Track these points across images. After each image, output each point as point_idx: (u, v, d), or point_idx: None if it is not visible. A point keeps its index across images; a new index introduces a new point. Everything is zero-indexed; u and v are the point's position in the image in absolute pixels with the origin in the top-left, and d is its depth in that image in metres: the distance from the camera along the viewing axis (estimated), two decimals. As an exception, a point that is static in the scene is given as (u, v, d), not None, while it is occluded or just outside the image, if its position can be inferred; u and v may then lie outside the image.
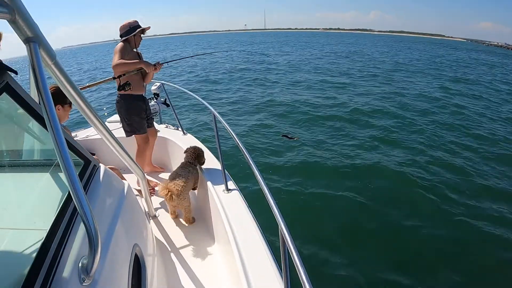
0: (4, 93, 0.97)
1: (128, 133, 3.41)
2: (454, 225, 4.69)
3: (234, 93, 14.15)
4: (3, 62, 1.00)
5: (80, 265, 1.01)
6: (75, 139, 1.72)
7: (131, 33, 3.16)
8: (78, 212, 1.17)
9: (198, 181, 3.04)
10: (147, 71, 3.19)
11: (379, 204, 5.08)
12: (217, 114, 2.75)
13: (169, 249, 2.57)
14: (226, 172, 2.70)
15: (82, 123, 6.21)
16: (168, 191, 2.60)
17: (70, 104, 2.52)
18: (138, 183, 3.34)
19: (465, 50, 59.42)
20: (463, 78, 19.20)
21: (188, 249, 2.58)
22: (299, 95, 13.05)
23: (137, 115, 3.35)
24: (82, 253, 1.05)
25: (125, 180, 2.07)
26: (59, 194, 1.28)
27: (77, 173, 0.95)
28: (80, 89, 1.37)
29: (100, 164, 1.61)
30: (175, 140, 3.80)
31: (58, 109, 2.47)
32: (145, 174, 3.71)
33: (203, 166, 3.09)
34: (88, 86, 3.41)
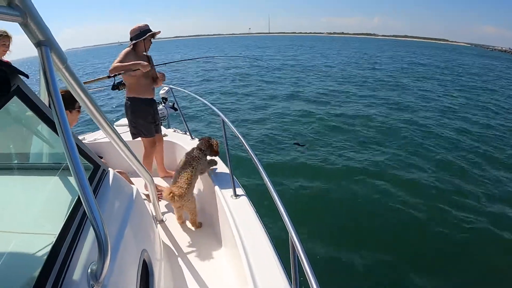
0: (15, 96, 0.96)
1: (134, 135, 3.41)
2: (460, 226, 4.70)
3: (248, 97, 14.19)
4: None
5: (89, 270, 1.00)
6: (83, 142, 1.71)
7: (141, 37, 3.17)
8: (87, 217, 1.16)
9: (206, 173, 3.01)
10: (143, 70, 3.13)
11: (393, 208, 5.07)
12: (225, 119, 2.73)
13: (176, 254, 2.55)
14: (234, 177, 2.67)
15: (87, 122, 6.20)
16: (171, 193, 2.59)
17: (78, 109, 2.52)
18: (145, 187, 3.33)
19: (472, 55, 59.05)
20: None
21: (195, 254, 2.56)
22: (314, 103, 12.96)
23: (142, 118, 3.35)
24: (91, 258, 1.04)
25: (133, 184, 2.06)
26: (68, 198, 1.27)
27: (87, 178, 0.94)
28: None
29: (109, 169, 1.59)
30: (183, 145, 3.79)
31: (66, 114, 2.45)
32: (159, 178, 3.72)
33: (211, 171, 3.06)
34: (84, 84, 3.41)
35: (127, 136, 3.43)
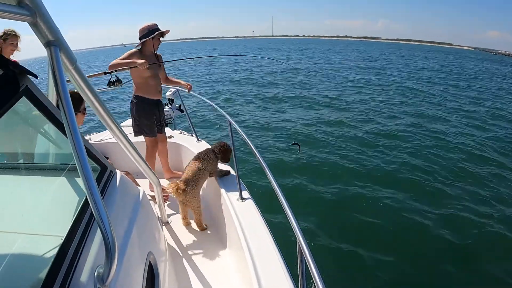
0: (24, 97, 0.96)
1: (136, 132, 3.45)
2: (468, 227, 4.68)
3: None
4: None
5: (96, 274, 0.98)
6: (89, 142, 1.70)
7: (149, 35, 3.17)
8: (94, 219, 1.15)
9: (218, 171, 3.01)
10: (140, 68, 3.09)
11: (407, 215, 5.01)
12: (233, 122, 2.73)
13: (181, 256, 2.54)
14: (240, 180, 2.66)
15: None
16: (176, 186, 2.59)
17: (83, 111, 2.52)
18: (150, 186, 3.35)
19: (476, 59, 58.69)
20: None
21: (200, 256, 2.54)
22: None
23: (146, 118, 3.37)
24: (98, 261, 1.03)
25: (139, 185, 2.05)
26: (74, 199, 1.26)
27: (95, 179, 0.93)
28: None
29: (117, 170, 1.59)
30: (189, 147, 3.79)
31: None
32: (164, 179, 3.72)
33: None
34: None
35: (133, 137, 3.44)
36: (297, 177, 6.21)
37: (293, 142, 4.31)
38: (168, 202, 3.25)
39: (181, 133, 4.35)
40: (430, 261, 4.00)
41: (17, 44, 3.25)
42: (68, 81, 1.06)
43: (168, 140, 3.86)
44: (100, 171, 1.41)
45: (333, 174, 6.44)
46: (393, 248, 4.18)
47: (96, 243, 1.09)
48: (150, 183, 3.44)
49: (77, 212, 1.12)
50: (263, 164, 1.96)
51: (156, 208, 2.65)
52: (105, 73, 3.21)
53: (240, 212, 2.37)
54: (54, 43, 1.00)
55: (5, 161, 1.45)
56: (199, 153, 2.95)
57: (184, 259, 2.51)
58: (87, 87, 1.27)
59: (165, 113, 3.93)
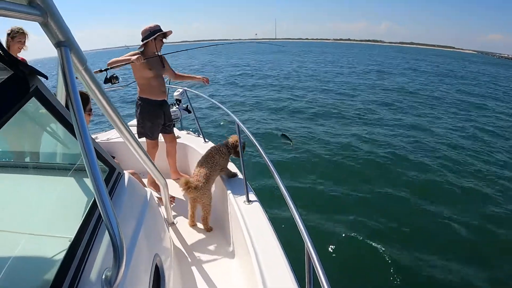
0: (33, 97, 0.95)
1: (139, 134, 3.44)
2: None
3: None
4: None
5: (103, 277, 0.98)
6: (96, 141, 1.71)
7: (151, 37, 3.17)
8: (102, 221, 1.14)
9: (227, 168, 3.00)
10: (137, 63, 3.10)
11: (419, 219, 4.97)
12: (240, 123, 2.72)
13: (187, 257, 2.53)
14: (247, 182, 2.64)
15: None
16: (187, 182, 2.58)
17: (89, 112, 2.52)
18: (150, 184, 3.36)
19: (486, 64, 57.73)
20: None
21: (206, 258, 2.54)
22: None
23: (150, 120, 3.36)
24: (105, 264, 1.02)
25: (145, 184, 2.05)
26: (81, 200, 1.25)
27: (103, 181, 0.92)
28: None
29: (124, 172, 1.58)
30: (196, 147, 3.78)
31: None
32: (171, 180, 3.72)
33: (224, 176, 3.03)
34: None
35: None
36: (305, 179, 6.19)
37: (282, 133, 4.10)
38: (174, 204, 3.25)
39: (188, 133, 4.34)
40: (447, 267, 3.95)
41: (24, 42, 3.27)
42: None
43: None
44: (109, 172, 1.40)
45: (342, 176, 6.41)
46: (405, 254, 4.13)
47: (104, 245, 1.08)
48: (150, 182, 3.45)
49: (85, 213, 1.11)
50: (270, 166, 1.94)
51: (162, 209, 2.65)
52: (101, 70, 3.18)
53: (247, 214, 2.35)
54: (64, 43, 1.00)
55: (12, 160, 1.45)
56: (212, 147, 2.95)
57: (189, 261, 2.50)
58: (97, 88, 1.27)
59: (172, 114, 3.91)
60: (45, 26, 0.95)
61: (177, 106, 4.77)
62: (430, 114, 12.07)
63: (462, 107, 13.80)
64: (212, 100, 3.81)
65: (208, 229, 2.85)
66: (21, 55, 3.34)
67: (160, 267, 1.56)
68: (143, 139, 3.45)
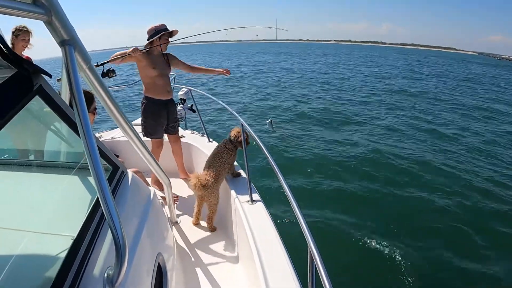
0: (37, 95, 0.95)
1: (143, 133, 3.45)
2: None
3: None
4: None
5: (105, 275, 0.98)
6: (100, 139, 1.71)
7: (156, 36, 3.17)
8: (104, 220, 1.14)
9: (233, 167, 3.00)
10: (133, 55, 3.10)
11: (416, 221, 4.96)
12: (244, 123, 2.72)
13: (190, 257, 2.53)
14: (251, 182, 2.64)
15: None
16: (196, 180, 2.59)
17: (93, 111, 2.53)
18: (153, 183, 3.37)
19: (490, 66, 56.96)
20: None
21: (209, 257, 2.54)
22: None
23: (152, 119, 3.36)
24: (107, 262, 1.02)
25: (148, 183, 2.05)
26: (84, 199, 1.25)
27: (106, 180, 0.92)
28: None
29: (128, 170, 1.58)
30: (200, 147, 3.79)
31: None
32: (179, 179, 3.73)
33: (228, 177, 3.02)
34: None
35: (142, 137, 3.44)
36: (308, 180, 6.18)
37: (269, 120, 3.99)
38: (177, 203, 3.26)
39: (192, 133, 4.35)
40: (453, 268, 3.96)
41: (28, 40, 3.28)
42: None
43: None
44: (112, 171, 1.41)
45: (345, 176, 6.40)
46: (409, 254, 4.12)
47: (106, 244, 1.08)
48: (154, 181, 3.45)
49: (88, 212, 1.12)
50: (274, 167, 1.94)
51: (165, 208, 2.65)
52: (97, 65, 3.19)
53: (250, 214, 2.35)
54: (69, 42, 1.00)
55: (16, 158, 1.45)
56: (218, 146, 2.95)
57: (192, 260, 2.50)
58: (101, 86, 1.27)
59: (177, 113, 3.88)
60: (49, 24, 0.95)
61: (181, 106, 4.77)
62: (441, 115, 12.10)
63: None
64: (216, 99, 3.81)
65: (212, 229, 2.85)
66: (26, 53, 3.35)
67: (163, 266, 1.56)
68: (149, 139, 3.46)
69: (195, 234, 2.83)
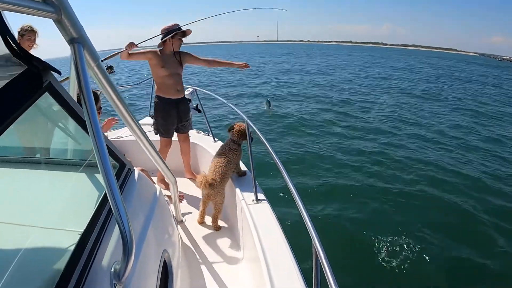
0: (47, 92, 0.97)
1: (154, 131, 3.52)
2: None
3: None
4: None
5: (112, 270, 0.99)
6: (108, 139, 1.72)
7: (168, 36, 3.19)
8: (112, 216, 1.15)
9: (238, 166, 3.01)
10: (127, 50, 3.12)
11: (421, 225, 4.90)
12: (250, 123, 2.74)
13: (195, 255, 2.55)
14: (256, 182, 2.65)
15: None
16: (203, 179, 2.61)
17: (98, 111, 2.54)
18: (159, 181, 3.40)
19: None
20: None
21: (214, 256, 2.55)
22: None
23: (162, 117, 3.40)
24: (114, 257, 1.04)
25: (155, 182, 2.06)
26: (91, 196, 1.27)
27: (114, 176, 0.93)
28: None
29: (135, 168, 1.60)
30: (205, 147, 3.81)
31: None
32: (185, 179, 3.74)
33: (233, 175, 3.03)
34: None
35: (151, 135, 3.46)
36: (313, 178, 6.20)
37: (267, 101, 4.06)
38: (183, 202, 3.27)
39: (198, 132, 4.36)
40: (460, 268, 3.96)
41: (34, 39, 3.30)
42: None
43: None
44: (119, 168, 1.42)
45: (351, 174, 6.43)
46: (414, 254, 4.12)
47: (113, 239, 1.10)
48: (159, 180, 3.47)
49: (95, 208, 1.13)
50: (279, 164, 1.95)
51: (171, 207, 2.67)
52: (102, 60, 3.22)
53: (255, 213, 2.35)
54: (77, 40, 1.01)
55: (24, 155, 1.46)
56: (222, 146, 2.97)
57: (197, 258, 2.51)
58: (109, 85, 1.28)
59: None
60: (58, 23, 0.96)
61: None
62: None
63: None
64: (222, 99, 3.83)
65: (216, 228, 2.86)
66: (32, 53, 3.36)
67: (168, 263, 1.58)
68: (157, 137, 3.50)
69: (200, 232, 2.84)
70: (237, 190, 2.72)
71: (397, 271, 3.82)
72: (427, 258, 4.03)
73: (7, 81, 0.86)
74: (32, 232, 1.08)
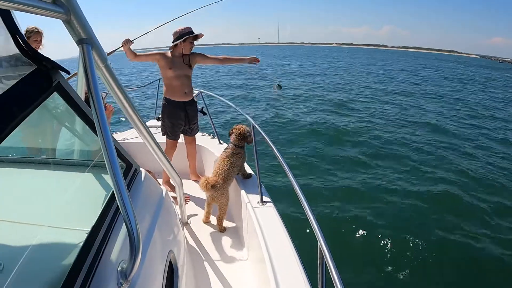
0: (55, 92, 0.97)
1: (162, 132, 3.52)
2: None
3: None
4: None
5: (119, 268, 0.99)
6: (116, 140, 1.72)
7: (180, 39, 3.19)
8: (119, 215, 1.16)
9: (243, 167, 3.00)
10: (124, 46, 3.15)
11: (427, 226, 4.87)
12: (255, 125, 2.74)
13: (201, 256, 2.54)
14: (261, 183, 2.64)
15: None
16: (205, 180, 2.60)
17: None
18: (165, 183, 3.41)
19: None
20: None
21: (219, 257, 2.54)
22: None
23: (169, 119, 3.40)
24: (121, 256, 1.04)
25: (160, 183, 2.06)
26: (98, 195, 1.27)
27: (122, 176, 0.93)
28: None
29: (141, 169, 1.60)
30: (211, 149, 3.81)
31: None
32: (190, 181, 3.74)
33: (238, 177, 3.02)
34: None
35: (158, 136, 3.46)
36: (319, 178, 6.17)
37: (277, 83, 4.01)
38: (188, 203, 3.27)
39: (203, 135, 4.34)
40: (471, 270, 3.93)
41: (40, 40, 3.31)
42: None
43: None
44: (126, 168, 1.42)
45: (358, 174, 6.42)
46: (420, 254, 4.11)
47: (120, 238, 1.10)
48: (165, 181, 3.47)
49: (102, 207, 1.13)
50: (285, 167, 1.94)
51: (176, 209, 2.67)
52: None
53: (261, 215, 2.34)
54: (86, 40, 1.02)
55: (31, 155, 1.47)
56: (225, 150, 2.94)
57: (202, 260, 2.51)
58: (117, 86, 1.28)
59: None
60: (67, 23, 0.97)
61: None
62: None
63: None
64: (227, 102, 3.82)
65: (222, 230, 2.86)
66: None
67: (174, 264, 1.57)
68: (164, 139, 3.50)
69: (205, 234, 2.83)
70: (243, 192, 2.71)
71: (404, 271, 3.81)
72: (436, 259, 4.02)
73: (16, 80, 0.86)
74: (40, 231, 1.08)
